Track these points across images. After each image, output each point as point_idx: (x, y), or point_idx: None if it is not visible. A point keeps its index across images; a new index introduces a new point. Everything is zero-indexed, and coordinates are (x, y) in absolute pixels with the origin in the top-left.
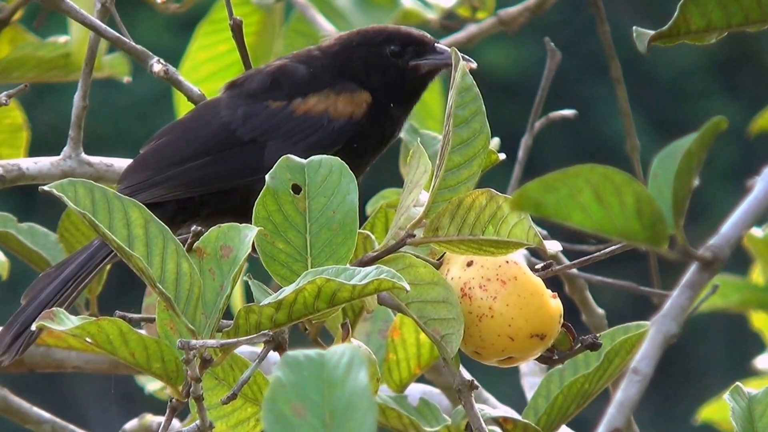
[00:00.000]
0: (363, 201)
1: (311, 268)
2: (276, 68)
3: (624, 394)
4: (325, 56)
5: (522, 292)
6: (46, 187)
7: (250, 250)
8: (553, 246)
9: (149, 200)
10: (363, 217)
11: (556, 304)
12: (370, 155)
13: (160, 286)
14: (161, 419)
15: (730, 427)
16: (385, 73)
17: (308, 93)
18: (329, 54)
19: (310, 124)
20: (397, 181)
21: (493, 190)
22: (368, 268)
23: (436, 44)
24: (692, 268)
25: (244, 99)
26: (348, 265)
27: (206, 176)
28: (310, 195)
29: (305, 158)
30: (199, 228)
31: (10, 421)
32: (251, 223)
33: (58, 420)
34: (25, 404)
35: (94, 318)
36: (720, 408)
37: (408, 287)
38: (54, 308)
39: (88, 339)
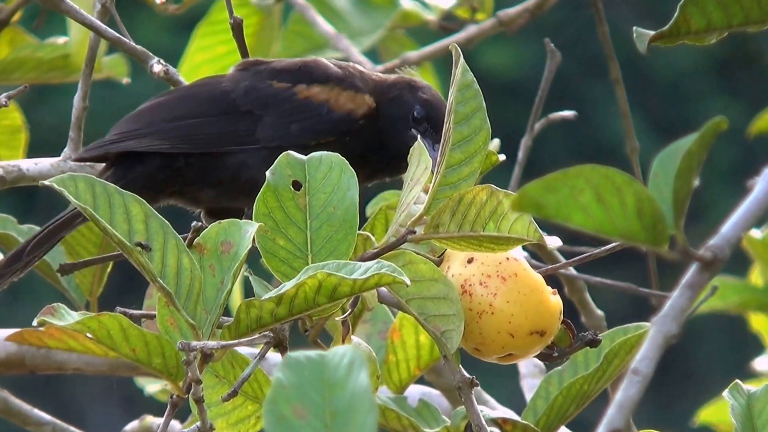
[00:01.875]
0: (363, 203)
1: (311, 264)
2: (307, 60)
3: (624, 394)
4: (370, 72)
5: (522, 288)
6: (46, 182)
7: (250, 246)
8: (554, 242)
9: (134, 148)
10: (363, 220)
11: (556, 301)
12: (358, 161)
13: (161, 281)
14: (161, 421)
15: (728, 430)
16: (397, 119)
17: (313, 83)
18: (380, 75)
19: (309, 109)
20: (398, 184)
21: (493, 186)
22: (369, 263)
23: (436, 144)
24: (692, 269)
25: (251, 76)
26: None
27: (195, 135)
28: (311, 191)
29: (296, 138)
30: (200, 223)
31: (11, 422)
32: (236, 197)
33: (58, 422)
34: (25, 406)
35: (95, 314)
36: (718, 410)
37: (408, 281)
38: (54, 304)
39: (88, 334)
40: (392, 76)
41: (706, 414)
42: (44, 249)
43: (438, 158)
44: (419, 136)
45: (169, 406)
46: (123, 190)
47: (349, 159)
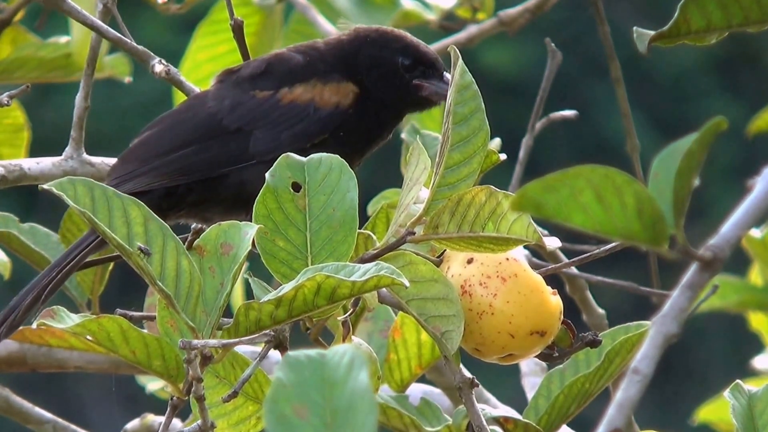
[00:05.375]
0: (364, 202)
1: (311, 265)
2: (272, 56)
3: (624, 393)
4: (327, 47)
5: (522, 289)
6: (45, 186)
7: (250, 247)
8: (553, 242)
9: (135, 190)
10: (364, 218)
11: (556, 301)
12: (357, 149)
13: (160, 284)
14: (162, 419)
15: (728, 428)
16: (387, 80)
17: (295, 83)
18: (335, 43)
19: (297, 113)
20: (399, 182)
21: (492, 186)
22: (367, 265)
23: (444, 72)
24: (692, 268)
25: (232, 89)
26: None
27: (192, 165)
28: (310, 193)
29: (291, 147)
30: (200, 226)
31: (12, 421)
32: (242, 211)
33: (59, 420)
34: (26, 404)
35: (95, 316)
36: (717, 409)
37: (407, 283)
38: (54, 306)
39: (88, 337)
40: (344, 39)
41: (705, 412)
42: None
43: (437, 159)
44: (424, 81)
45: (169, 408)
46: (122, 194)
47: (350, 150)
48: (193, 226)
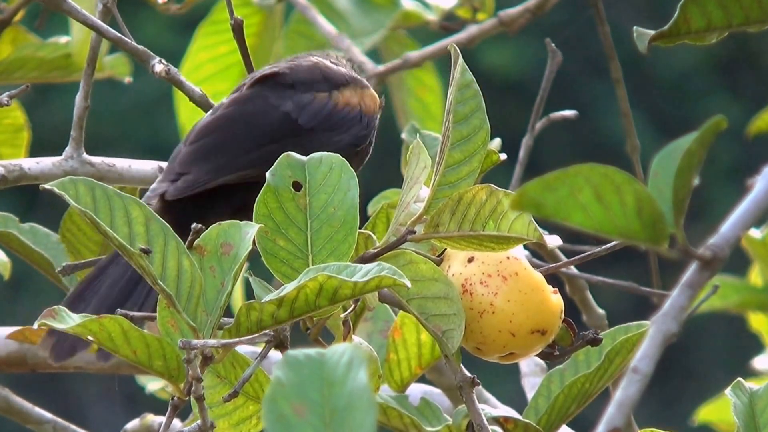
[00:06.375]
0: (365, 202)
1: (312, 265)
2: (313, 63)
3: (624, 393)
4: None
5: (523, 287)
6: (47, 186)
7: (251, 247)
8: (554, 241)
9: (228, 182)
10: (364, 218)
11: (557, 300)
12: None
13: (162, 284)
14: (162, 419)
15: (728, 428)
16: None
17: (340, 86)
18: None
19: (351, 117)
20: (399, 182)
21: (493, 185)
22: (369, 265)
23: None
24: (692, 268)
25: (286, 90)
26: (349, 262)
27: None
28: (311, 192)
29: (346, 152)
30: (200, 225)
31: (12, 421)
32: None
33: (59, 420)
34: (26, 404)
35: (96, 316)
36: (717, 408)
37: (409, 284)
38: (55, 306)
39: (90, 337)
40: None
41: (705, 413)
42: None
43: (437, 158)
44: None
45: (170, 408)
46: (123, 193)
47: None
48: (193, 225)
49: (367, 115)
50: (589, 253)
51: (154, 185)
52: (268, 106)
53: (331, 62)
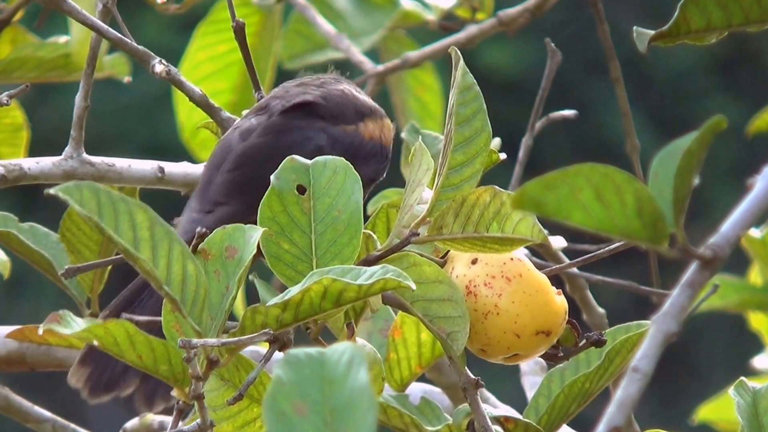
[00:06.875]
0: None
1: (316, 268)
2: (343, 93)
3: (624, 392)
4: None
5: (527, 288)
6: (51, 191)
7: (255, 251)
8: (558, 242)
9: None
10: (364, 217)
11: (561, 301)
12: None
13: (167, 288)
14: (162, 418)
15: (728, 427)
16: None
17: (363, 117)
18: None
19: (375, 151)
20: (399, 182)
21: (496, 186)
22: (374, 268)
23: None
24: (692, 267)
25: (323, 122)
26: (353, 265)
27: None
28: (315, 195)
29: (368, 186)
30: (204, 229)
31: (12, 420)
32: None
33: (59, 419)
34: (26, 403)
35: (101, 320)
36: (718, 408)
37: (414, 286)
38: (60, 311)
39: (95, 342)
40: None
41: (705, 411)
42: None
43: (440, 160)
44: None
45: (175, 412)
46: (127, 198)
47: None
48: (198, 229)
49: (386, 147)
50: (592, 254)
51: (192, 215)
52: (304, 139)
53: (355, 91)
